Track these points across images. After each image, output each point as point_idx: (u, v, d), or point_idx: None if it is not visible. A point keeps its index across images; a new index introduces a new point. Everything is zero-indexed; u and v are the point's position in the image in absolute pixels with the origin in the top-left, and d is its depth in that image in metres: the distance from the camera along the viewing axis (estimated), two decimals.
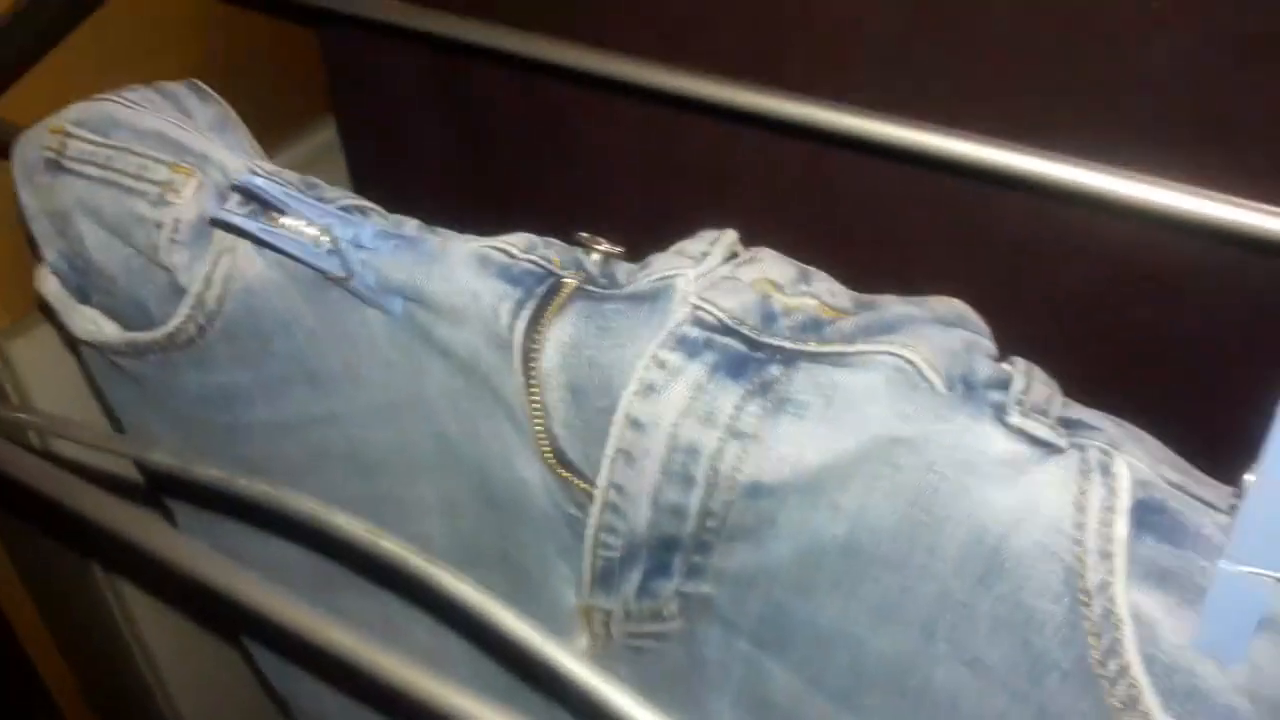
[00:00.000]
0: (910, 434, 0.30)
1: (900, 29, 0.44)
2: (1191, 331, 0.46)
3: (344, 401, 0.41)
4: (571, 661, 0.28)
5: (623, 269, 0.36)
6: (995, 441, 0.29)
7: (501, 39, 0.44)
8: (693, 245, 0.36)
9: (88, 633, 0.71)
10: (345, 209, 0.37)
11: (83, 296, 0.42)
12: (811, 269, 0.36)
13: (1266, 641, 0.28)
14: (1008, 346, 0.34)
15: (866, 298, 0.34)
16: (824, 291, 0.35)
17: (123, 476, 0.56)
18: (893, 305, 0.33)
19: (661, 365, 0.32)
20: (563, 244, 0.37)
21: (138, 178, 0.39)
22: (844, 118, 0.39)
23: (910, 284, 0.43)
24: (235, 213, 0.35)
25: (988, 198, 0.43)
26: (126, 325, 0.41)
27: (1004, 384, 0.31)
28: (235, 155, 0.40)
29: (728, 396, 0.32)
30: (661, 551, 0.36)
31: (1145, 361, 0.47)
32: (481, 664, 0.47)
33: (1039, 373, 0.32)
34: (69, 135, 0.40)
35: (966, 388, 0.31)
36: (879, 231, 0.48)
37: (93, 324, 0.41)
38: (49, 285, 0.42)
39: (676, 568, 0.36)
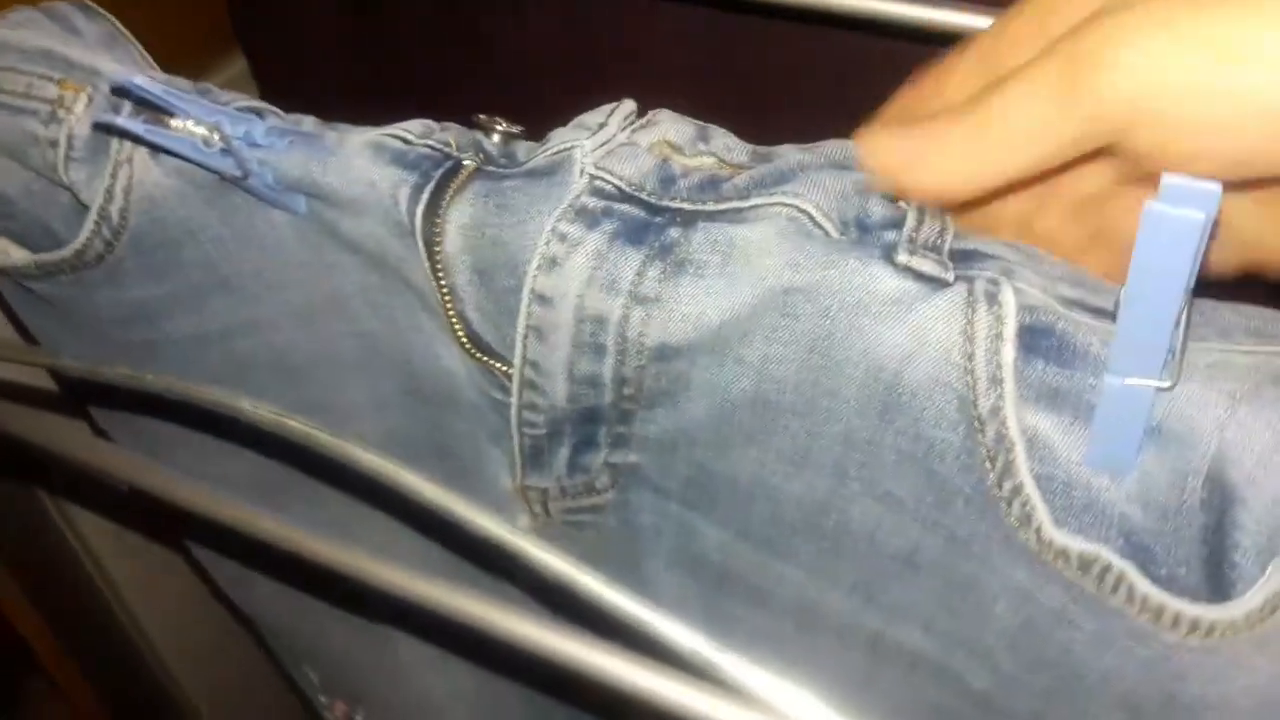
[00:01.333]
0: (803, 282, 0.31)
1: None
2: None
3: (261, 307, 0.41)
4: (492, 522, 0.29)
5: (523, 148, 0.36)
6: (883, 281, 0.30)
7: None
8: (590, 117, 0.36)
9: (48, 566, 0.72)
10: (240, 109, 0.37)
11: None
12: (710, 126, 0.36)
13: (1153, 450, 0.29)
14: None
15: (764, 150, 0.34)
16: (721, 148, 0.35)
17: (45, 394, 0.56)
18: (788, 154, 0.33)
19: (562, 238, 0.33)
20: (461, 127, 0.37)
21: (27, 96, 0.38)
22: None
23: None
24: (121, 117, 0.35)
25: (888, 53, 0.43)
26: (33, 247, 0.41)
27: (898, 223, 0.32)
28: (126, 68, 0.39)
29: (628, 263, 0.32)
30: (585, 425, 0.37)
31: None
32: (432, 560, 0.48)
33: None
34: None
35: (860, 230, 0.32)
36: (784, 95, 0.48)
37: (0, 251, 0.41)
38: None
39: (602, 439, 0.37)
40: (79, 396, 0.49)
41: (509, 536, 0.27)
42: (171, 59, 0.45)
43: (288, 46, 0.59)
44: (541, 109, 0.38)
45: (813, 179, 0.32)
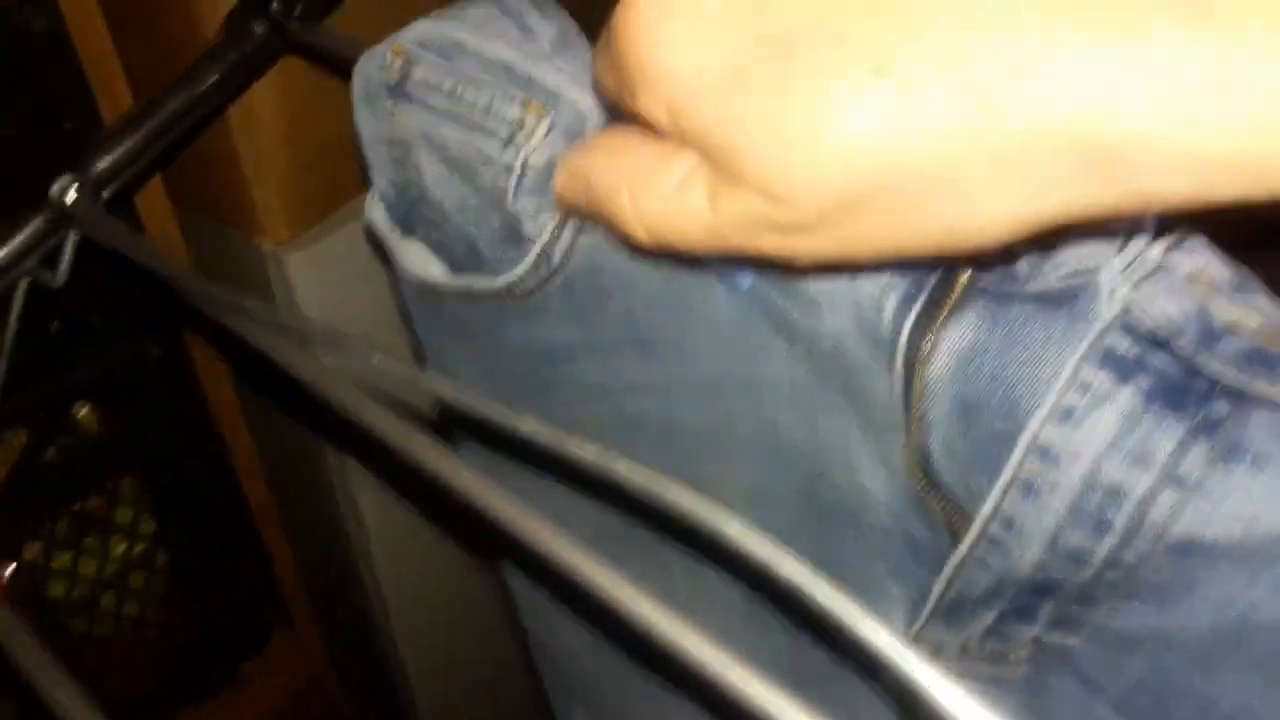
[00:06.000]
0: None
1: None
2: None
3: (669, 372, 0.38)
4: (899, 647, 0.23)
5: (1022, 258, 0.31)
6: None
7: None
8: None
9: (313, 518, 0.72)
10: None
11: (406, 227, 0.41)
12: (1244, 271, 0.30)
13: None
14: None
15: None
16: (1266, 307, 0.29)
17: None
18: None
19: (1084, 388, 0.28)
20: None
21: (487, 113, 0.36)
22: None
23: None
24: None
25: None
26: (452, 262, 0.39)
27: None
28: (585, 91, 0.36)
29: (1167, 434, 0.27)
30: (1032, 595, 0.31)
31: None
32: (764, 646, 0.44)
33: None
34: (412, 60, 0.38)
35: None
36: None
37: (420, 261, 0.40)
38: (376, 214, 0.41)
39: (1043, 615, 0.32)
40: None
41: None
42: None
43: None
44: None
45: None
